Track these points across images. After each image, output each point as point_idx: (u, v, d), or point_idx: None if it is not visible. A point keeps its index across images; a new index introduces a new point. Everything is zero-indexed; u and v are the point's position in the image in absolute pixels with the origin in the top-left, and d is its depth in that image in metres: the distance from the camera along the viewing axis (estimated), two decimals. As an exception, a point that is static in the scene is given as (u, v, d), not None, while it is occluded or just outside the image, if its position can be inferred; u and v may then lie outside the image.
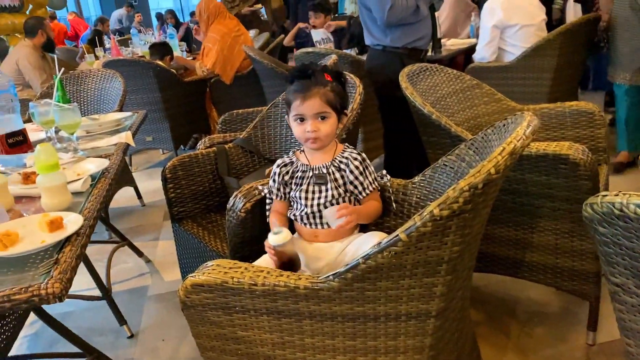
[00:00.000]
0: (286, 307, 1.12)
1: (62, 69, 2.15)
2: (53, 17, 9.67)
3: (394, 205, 1.52)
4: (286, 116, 1.53)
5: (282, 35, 5.05)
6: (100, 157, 1.82)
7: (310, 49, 3.37)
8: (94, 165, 1.66)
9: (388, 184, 1.52)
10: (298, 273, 1.19)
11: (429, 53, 2.84)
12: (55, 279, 0.98)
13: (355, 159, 1.47)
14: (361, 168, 1.46)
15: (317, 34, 4.65)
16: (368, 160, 1.49)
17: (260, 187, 1.57)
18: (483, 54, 3.47)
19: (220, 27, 4.16)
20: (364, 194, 1.47)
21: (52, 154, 1.34)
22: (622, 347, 0.88)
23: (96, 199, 1.40)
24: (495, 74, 3.43)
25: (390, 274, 1.03)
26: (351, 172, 1.46)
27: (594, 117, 2.12)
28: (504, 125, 1.23)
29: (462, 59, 4.33)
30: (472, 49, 3.77)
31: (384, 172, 1.54)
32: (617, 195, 0.73)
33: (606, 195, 0.75)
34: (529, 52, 3.27)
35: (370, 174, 1.48)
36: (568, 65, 3.34)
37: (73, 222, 1.21)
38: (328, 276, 1.07)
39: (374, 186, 1.48)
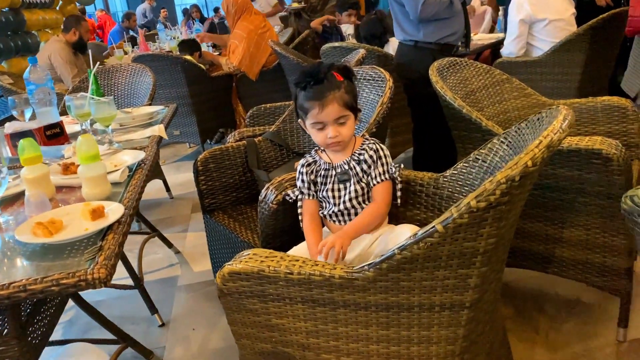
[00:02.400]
0: (321, 296, 1.14)
1: (97, 63, 2.20)
2: (83, 13, 9.84)
3: (399, 200, 1.50)
4: (300, 120, 1.51)
5: (308, 31, 5.06)
6: (135, 149, 1.87)
7: (337, 44, 3.38)
8: (130, 157, 1.70)
9: (396, 175, 1.48)
10: (333, 263, 1.21)
11: (460, 49, 2.83)
12: (100, 265, 1.02)
13: (371, 149, 1.48)
14: (375, 157, 1.47)
15: (344, 28, 4.66)
16: (385, 152, 1.49)
17: (289, 193, 1.57)
18: (511, 49, 3.44)
19: (246, 23, 4.19)
20: (372, 183, 1.46)
21: (93, 145, 1.39)
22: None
23: (134, 189, 1.44)
24: (523, 68, 3.41)
25: (425, 264, 1.04)
26: (365, 161, 1.47)
27: (626, 112, 2.09)
28: (539, 119, 1.23)
29: (489, 54, 4.30)
30: (499, 44, 3.74)
31: (400, 165, 1.51)
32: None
33: (649, 188, 0.75)
34: (558, 47, 3.23)
35: (382, 164, 1.47)
36: (598, 60, 3.29)
37: (114, 211, 1.25)
38: (363, 266, 1.09)
39: (383, 177, 1.46)
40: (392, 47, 3.78)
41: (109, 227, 1.20)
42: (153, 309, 2.24)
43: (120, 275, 2.38)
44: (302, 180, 1.54)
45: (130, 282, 2.28)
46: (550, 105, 2.24)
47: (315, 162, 1.55)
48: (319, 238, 1.50)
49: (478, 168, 1.42)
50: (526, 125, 1.30)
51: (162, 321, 2.23)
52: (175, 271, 2.68)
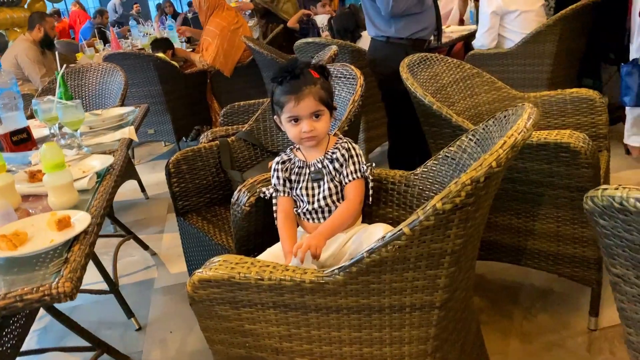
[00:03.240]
0: (292, 300, 1.14)
1: (64, 65, 2.15)
2: (58, 14, 9.67)
3: (370, 198, 1.51)
4: (275, 117, 1.51)
5: (282, 25, 5.03)
6: (105, 153, 1.84)
7: (310, 39, 3.36)
8: (99, 162, 1.68)
9: (367, 174, 1.49)
10: (303, 267, 1.21)
11: (433, 43, 2.83)
12: (65, 278, 1.00)
13: (343, 147, 1.48)
14: (347, 156, 1.47)
15: (320, 19, 4.63)
16: (357, 151, 1.49)
17: (264, 190, 1.57)
18: (483, 41, 3.47)
19: (218, 20, 4.15)
20: (345, 182, 1.47)
21: (57, 152, 1.36)
22: (624, 332, 0.90)
23: (102, 196, 1.42)
24: (495, 60, 3.43)
25: (395, 267, 1.04)
26: (337, 160, 1.47)
27: (594, 104, 2.12)
28: (505, 117, 1.24)
29: (462, 46, 4.32)
30: (471, 36, 3.76)
31: (372, 164, 1.53)
32: (617, 189, 0.74)
33: (606, 189, 0.76)
34: (528, 39, 3.26)
35: (354, 163, 1.47)
36: (568, 51, 3.33)
37: (81, 220, 1.23)
38: (333, 270, 1.09)
39: (355, 175, 1.47)
40: (364, 42, 3.78)
41: (76, 238, 1.18)
42: (129, 313, 2.22)
43: (95, 279, 2.36)
44: (277, 177, 1.54)
45: (105, 286, 2.25)
46: (521, 99, 2.26)
47: (290, 159, 1.55)
48: (294, 236, 1.50)
49: (447, 165, 1.43)
50: (493, 122, 1.31)
51: (139, 325, 2.21)
52: (152, 273, 2.65)
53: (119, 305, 2.23)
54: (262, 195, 1.54)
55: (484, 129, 1.34)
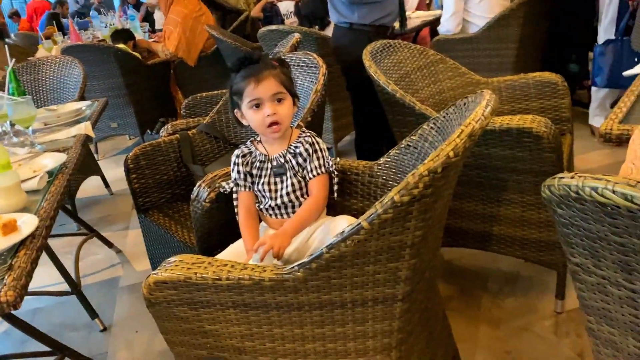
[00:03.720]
0: (252, 299, 1.10)
1: (13, 60, 2.06)
2: (17, 15, 9.38)
3: (335, 193, 1.49)
4: (236, 111, 1.45)
5: (246, 12, 4.94)
6: (59, 150, 1.77)
7: (274, 27, 3.30)
8: (51, 161, 1.61)
9: (332, 169, 1.46)
10: (263, 265, 1.17)
11: (397, 29, 2.80)
12: (8, 287, 0.95)
13: (307, 142, 1.44)
14: (310, 150, 1.43)
15: (284, 5, 4.56)
16: (321, 145, 1.45)
17: (224, 185, 1.52)
18: (448, 26, 3.45)
19: (180, 7, 4.05)
20: (308, 177, 1.44)
21: (2, 153, 1.29)
22: (584, 319, 0.90)
23: (53, 197, 1.36)
24: (460, 45, 3.42)
25: (355, 261, 1.02)
26: (300, 154, 1.43)
27: (557, 88, 2.13)
28: (465, 104, 1.22)
29: (428, 31, 4.31)
30: (437, 21, 3.75)
31: (337, 158, 1.50)
32: (572, 177, 0.72)
33: (563, 178, 0.75)
34: (493, 23, 3.26)
35: (318, 158, 1.43)
36: (532, 35, 3.34)
37: (28, 223, 1.17)
38: (293, 267, 1.06)
39: (319, 171, 1.43)
40: (331, 29, 3.74)
41: (22, 242, 1.12)
42: (93, 314, 2.15)
43: (59, 280, 2.28)
44: (238, 172, 1.48)
45: (67, 287, 2.18)
46: (484, 84, 2.25)
47: (250, 153, 1.50)
48: (255, 233, 1.46)
49: (410, 155, 1.40)
50: (453, 110, 1.29)
51: (104, 326, 2.15)
52: (117, 272, 2.59)
53: (82, 306, 2.16)
54: (222, 190, 1.50)
55: (444, 116, 1.32)
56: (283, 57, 1.50)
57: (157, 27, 5.79)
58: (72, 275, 2.20)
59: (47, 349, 1.81)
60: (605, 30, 2.98)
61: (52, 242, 2.44)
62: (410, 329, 1.17)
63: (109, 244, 2.74)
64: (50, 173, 1.54)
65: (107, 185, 3.52)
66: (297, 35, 2.45)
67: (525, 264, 2.12)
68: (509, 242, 1.87)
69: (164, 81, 4.24)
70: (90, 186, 3.53)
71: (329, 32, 3.47)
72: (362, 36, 2.53)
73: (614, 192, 0.65)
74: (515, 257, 1.90)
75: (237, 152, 1.50)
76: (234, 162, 1.49)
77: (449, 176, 1.00)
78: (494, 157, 1.72)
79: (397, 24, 2.79)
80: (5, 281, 0.97)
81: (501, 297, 2.00)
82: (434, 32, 4.06)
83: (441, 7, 3.95)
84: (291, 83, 1.43)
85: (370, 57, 2.01)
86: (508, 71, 3.28)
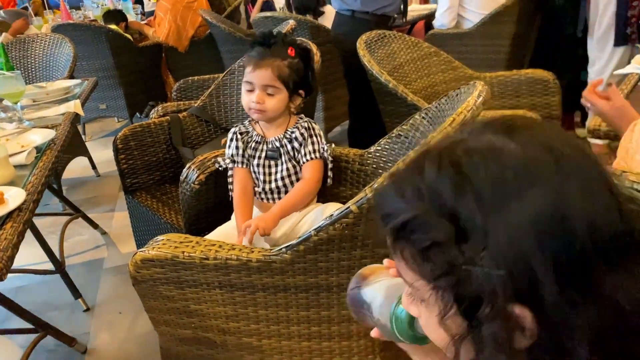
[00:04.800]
0: (239, 280, 1.11)
1: (3, 34, 2.03)
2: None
3: (330, 180, 1.48)
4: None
5: (240, 0, 4.90)
6: (47, 127, 1.75)
7: (269, 14, 3.29)
8: (40, 137, 1.59)
9: (327, 155, 1.45)
10: (250, 246, 1.18)
11: (398, 20, 2.81)
12: (-6, 258, 0.95)
13: (303, 127, 1.44)
14: (306, 135, 1.43)
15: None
16: (316, 131, 1.46)
17: (220, 160, 1.51)
18: (442, 21, 3.45)
19: (171, -7, 4.01)
20: (302, 161, 1.43)
21: (-11, 125, 1.28)
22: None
23: (41, 172, 1.35)
24: (454, 40, 3.43)
25: (342, 245, 1.02)
26: (296, 139, 1.43)
27: (548, 85, 2.15)
28: (457, 94, 1.23)
29: (423, 25, 4.31)
30: (432, 16, 3.75)
31: (331, 144, 1.50)
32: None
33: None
34: (487, 19, 3.26)
35: (313, 143, 1.43)
36: (526, 33, 3.36)
37: (15, 196, 1.16)
38: (281, 249, 1.06)
39: (313, 155, 1.42)
40: (327, 19, 3.72)
41: (9, 215, 1.11)
42: (76, 293, 2.14)
43: (43, 259, 2.27)
44: (236, 147, 1.47)
45: (51, 266, 2.17)
46: (477, 78, 2.27)
47: (247, 132, 1.49)
48: (248, 213, 1.44)
49: (400, 144, 1.41)
50: (446, 100, 1.29)
51: (87, 306, 2.14)
52: (102, 253, 2.57)
53: (66, 286, 2.15)
54: (217, 166, 1.49)
55: (436, 107, 1.33)
56: (308, 48, 1.48)
57: (146, 9, 5.71)
58: (57, 254, 2.19)
59: (29, 326, 1.80)
60: (599, 42, 2.80)
61: (37, 222, 2.41)
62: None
63: (95, 225, 2.72)
64: (38, 149, 1.52)
65: (94, 166, 3.49)
66: (292, 22, 2.44)
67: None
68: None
69: (155, 64, 4.20)
70: (77, 167, 3.49)
71: (322, 21, 3.46)
72: (363, 24, 2.53)
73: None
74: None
75: (234, 129, 1.50)
76: (232, 138, 1.48)
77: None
78: (483, 151, 1.74)
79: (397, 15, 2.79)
80: (-10, 252, 0.97)
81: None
82: (428, 27, 4.07)
83: (437, 2, 3.96)
84: (297, 78, 1.40)
85: (365, 46, 2.01)
86: (500, 68, 3.28)
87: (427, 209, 0.46)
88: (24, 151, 1.46)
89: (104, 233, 2.73)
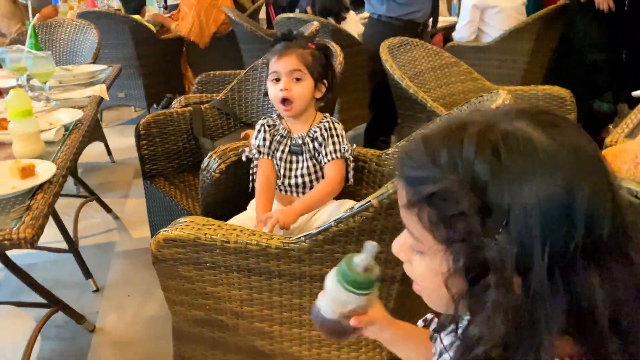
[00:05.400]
0: (257, 265, 1.14)
1: (37, 15, 2.08)
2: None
3: (351, 180, 1.51)
4: (266, 81, 1.51)
5: (262, 0, 4.96)
6: (74, 108, 1.80)
7: (291, 15, 3.34)
8: (68, 116, 1.64)
9: (347, 155, 1.48)
10: (270, 233, 1.21)
11: (431, 29, 2.87)
12: (27, 225, 0.99)
13: (324, 126, 1.47)
14: (327, 135, 1.46)
15: None
16: (339, 130, 1.48)
17: (246, 150, 1.54)
18: (462, 34, 3.50)
19: (197, -11, 4.07)
20: (324, 161, 1.46)
21: (25, 100, 1.32)
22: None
23: (69, 149, 1.39)
24: (472, 53, 3.46)
25: (360, 237, 1.06)
26: (316, 138, 1.47)
27: (565, 102, 2.17)
28: (480, 102, 1.27)
29: (441, 37, 4.35)
30: (451, 28, 3.79)
31: (353, 145, 1.53)
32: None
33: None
34: (506, 35, 3.30)
35: (334, 143, 1.46)
36: (544, 50, 3.39)
37: (46, 169, 1.21)
38: (300, 237, 1.10)
39: (334, 155, 1.45)
40: (350, 24, 3.76)
41: (39, 187, 1.15)
42: (87, 273, 2.19)
43: (55, 238, 2.31)
44: (264, 139, 1.51)
45: (65, 246, 2.21)
46: (496, 90, 2.30)
47: (275, 125, 1.53)
48: (269, 203, 1.48)
49: (419, 147, 1.44)
50: (467, 107, 1.33)
51: (97, 287, 2.18)
52: (113, 237, 2.62)
53: (78, 265, 2.19)
54: (243, 155, 1.52)
55: (457, 113, 1.36)
56: (327, 45, 1.53)
57: (169, 2, 5.78)
58: (71, 235, 2.23)
59: (41, 301, 1.84)
60: None
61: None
62: (403, 312, 1.21)
63: (108, 209, 2.77)
64: (66, 128, 1.57)
65: (109, 152, 3.54)
66: (316, 24, 2.48)
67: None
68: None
69: (175, 57, 4.26)
70: (93, 152, 3.54)
71: (344, 26, 3.51)
72: (388, 28, 2.59)
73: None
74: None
75: (262, 121, 1.54)
76: (259, 129, 1.52)
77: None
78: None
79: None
80: (24, 219, 1.01)
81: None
82: (446, 40, 4.11)
83: (458, 15, 4.00)
84: (321, 67, 1.45)
85: (388, 51, 2.05)
86: (516, 83, 3.32)
87: (460, 181, 0.50)
88: (53, 128, 1.50)
89: (116, 218, 2.78)
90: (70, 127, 1.57)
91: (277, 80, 1.44)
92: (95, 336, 1.92)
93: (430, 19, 2.83)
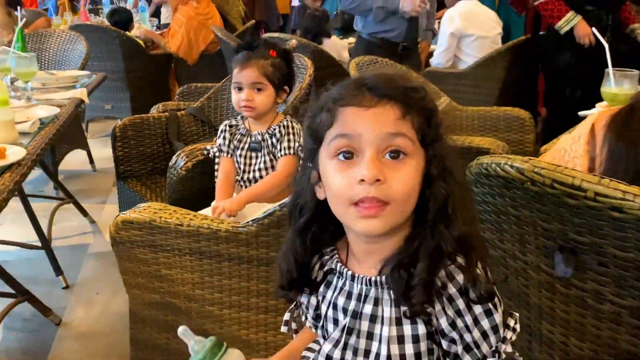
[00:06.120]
0: (208, 248, 1.22)
1: (24, 20, 2.19)
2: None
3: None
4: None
5: (253, 21, 5.11)
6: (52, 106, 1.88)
7: (275, 34, 3.47)
8: (45, 111, 1.73)
9: (300, 153, 1.55)
10: (221, 218, 1.29)
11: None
12: (-10, 197, 1.06)
13: (283, 125, 1.57)
14: (284, 132, 1.56)
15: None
16: (296, 130, 1.58)
17: (208, 148, 1.64)
18: (439, 60, 3.64)
19: (187, 9, 4.21)
20: (278, 156, 1.56)
21: (2, 89, 1.41)
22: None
23: (42, 138, 1.47)
24: (449, 79, 3.60)
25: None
26: (275, 135, 1.56)
27: (524, 123, 2.29)
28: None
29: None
30: (431, 54, 3.94)
31: None
32: (486, 157, 0.86)
33: (479, 158, 0.88)
34: (481, 62, 3.44)
35: (290, 140, 1.56)
36: (516, 79, 3.54)
37: (16, 153, 1.29)
38: (248, 222, 1.18)
39: (286, 151, 1.55)
40: (331, 49, 3.90)
41: (8, 167, 1.23)
42: (58, 270, 2.24)
43: (31, 238, 2.37)
44: (224, 138, 1.62)
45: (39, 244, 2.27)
46: (460, 110, 2.41)
47: (236, 125, 1.64)
48: (228, 197, 1.57)
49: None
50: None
51: (67, 284, 2.23)
52: (88, 239, 2.68)
53: (50, 263, 2.24)
54: (205, 152, 1.62)
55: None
56: (287, 49, 1.64)
57: (162, 21, 5.94)
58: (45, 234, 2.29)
59: (9, 290, 1.89)
60: None
61: (31, 204, 2.51)
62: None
63: (85, 213, 2.83)
64: (42, 121, 1.65)
65: (91, 161, 3.61)
66: (293, 42, 2.61)
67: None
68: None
69: (163, 72, 4.37)
70: (75, 160, 3.61)
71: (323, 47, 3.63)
72: (366, 45, 2.73)
73: (511, 166, 0.78)
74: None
75: (226, 122, 1.65)
76: (223, 129, 1.62)
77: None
78: (453, 172, 1.87)
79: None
80: (-12, 193, 1.08)
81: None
82: (428, 66, 4.26)
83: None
84: (281, 75, 1.55)
85: (356, 67, 2.17)
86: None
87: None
88: (29, 121, 1.59)
89: (92, 222, 2.83)
90: (47, 122, 1.66)
91: (240, 89, 1.53)
92: (60, 329, 1.97)
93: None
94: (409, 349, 0.69)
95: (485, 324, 0.67)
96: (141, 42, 4.18)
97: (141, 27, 4.82)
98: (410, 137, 0.67)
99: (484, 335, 0.67)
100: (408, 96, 0.67)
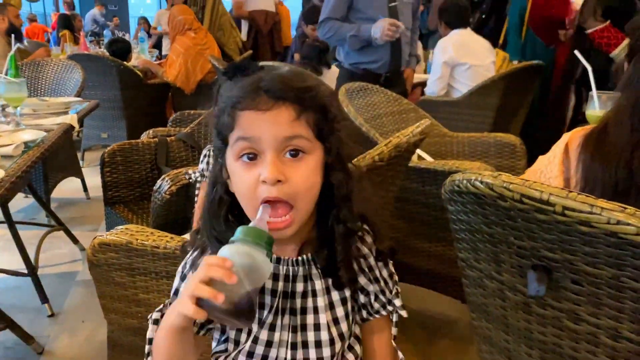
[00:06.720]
0: (185, 271, 1.19)
1: (17, 44, 2.21)
2: (33, 20, 9.66)
3: None
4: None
5: (250, 51, 5.18)
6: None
7: (269, 63, 3.48)
8: (31, 135, 1.72)
9: None
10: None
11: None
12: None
13: None
14: None
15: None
16: None
17: (190, 172, 1.63)
18: (433, 88, 3.66)
19: (185, 39, 4.27)
20: None
21: (-16, 113, 1.41)
22: (470, 315, 0.99)
23: (24, 161, 1.46)
24: (443, 107, 3.62)
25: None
26: None
27: (515, 149, 2.29)
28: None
29: (420, 93, 4.53)
30: (425, 84, 3.97)
31: None
32: (459, 174, 0.85)
33: (454, 175, 0.87)
34: (474, 90, 3.46)
35: None
36: (511, 107, 3.55)
37: (-6, 175, 1.27)
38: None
39: None
40: (327, 78, 3.93)
41: (-15, 190, 1.22)
42: (44, 298, 2.20)
43: (19, 266, 2.34)
44: (207, 163, 1.57)
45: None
46: (450, 137, 2.42)
47: None
48: None
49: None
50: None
51: (52, 311, 2.20)
52: (77, 267, 2.65)
53: (35, 290, 2.21)
54: (187, 177, 1.60)
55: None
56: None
57: (163, 52, 6.03)
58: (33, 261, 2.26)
59: (-10, 318, 1.86)
60: None
61: (20, 232, 2.49)
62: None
63: (75, 240, 2.80)
64: (26, 145, 1.64)
65: (85, 189, 3.61)
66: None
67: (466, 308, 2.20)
68: (449, 281, 1.97)
69: (160, 101, 4.40)
70: (69, 188, 3.61)
71: (322, 79, 3.67)
72: (349, 75, 2.73)
73: (481, 182, 0.77)
74: (454, 298, 1.99)
75: (209, 146, 1.60)
76: (205, 154, 1.59)
77: (374, 180, 1.12)
78: (428, 195, 1.85)
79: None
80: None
81: (438, 336, 2.07)
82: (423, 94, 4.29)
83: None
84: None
85: (346, 94, 2.17)
86: (482, 136, 3.46)
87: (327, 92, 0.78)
88: (12, 145, 1.58)
89: (82, 249, 2.81)
90: (32, 146, 1.65)
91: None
92: (43, 358, 1.93)
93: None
94: (340, 311, 0.80)
95: (384, 272, 0.83)
96: (139, 72, 4.23)
97: (140, 57, 4.88)
98: (306, 137, 0.71)
99: (385, 282, 0.83)
100: (302, 97, 0.71)
